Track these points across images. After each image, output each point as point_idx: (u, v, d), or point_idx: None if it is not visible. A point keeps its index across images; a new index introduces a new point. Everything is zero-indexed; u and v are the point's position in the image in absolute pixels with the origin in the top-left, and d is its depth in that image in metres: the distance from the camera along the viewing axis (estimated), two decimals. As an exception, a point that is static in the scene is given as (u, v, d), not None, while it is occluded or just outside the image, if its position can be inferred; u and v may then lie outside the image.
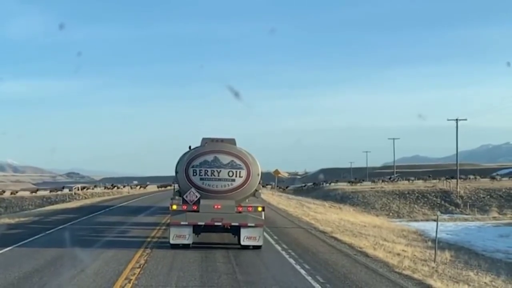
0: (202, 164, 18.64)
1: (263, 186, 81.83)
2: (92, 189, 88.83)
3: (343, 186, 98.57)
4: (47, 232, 24.69)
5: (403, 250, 24.38)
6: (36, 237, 22.89)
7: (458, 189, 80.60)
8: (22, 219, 33.62)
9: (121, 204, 46.81)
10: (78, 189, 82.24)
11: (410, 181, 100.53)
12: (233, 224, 18.70)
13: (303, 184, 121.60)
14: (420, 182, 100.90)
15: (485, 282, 18.76)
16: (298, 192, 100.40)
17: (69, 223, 29.18)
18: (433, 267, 19.55)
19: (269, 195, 62.74)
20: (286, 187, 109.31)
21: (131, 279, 13.64)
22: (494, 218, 68.83)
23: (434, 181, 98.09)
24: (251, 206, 18.84)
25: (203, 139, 19.44)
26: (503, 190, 79.92)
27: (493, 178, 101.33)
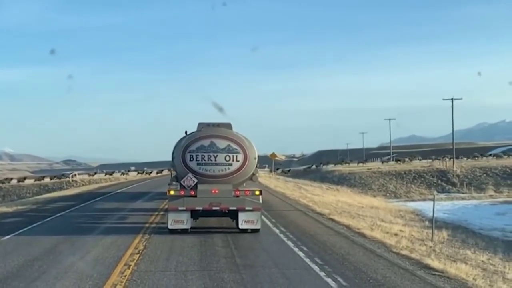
0: (198, 149, 18.64)
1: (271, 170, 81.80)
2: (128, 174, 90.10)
3: (338, 168, 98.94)
4: (45, 220, 24.72)
5: (400, 230, 24.51)
6: (34, 225, 22.91)
7: (455, 168, 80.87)
8: (20, 207, 33.62)
9: (119, 191, 46.85)
10: (114, 174, 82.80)
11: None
12: (231, 208, 18.76)
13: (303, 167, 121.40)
14: (416, 162, 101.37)
15: (482, 261, 18.90)
16: (295, 174, 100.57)
17: (67, 210, 29.22)
18: (430, 247, 19.67)
19: (267, 178, 62.86)
20: (288, 170, 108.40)
21: (130, 265, 13.71)
22: (491, 196, 69.14)
23: (429, 160, 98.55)
24: (248, 190, 18.88)
25: (199, 124, 19.40)
26: (499, 168, 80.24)
27: (475, 157, 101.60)
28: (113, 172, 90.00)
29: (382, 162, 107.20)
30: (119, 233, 19.20)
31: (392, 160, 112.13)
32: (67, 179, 77.28)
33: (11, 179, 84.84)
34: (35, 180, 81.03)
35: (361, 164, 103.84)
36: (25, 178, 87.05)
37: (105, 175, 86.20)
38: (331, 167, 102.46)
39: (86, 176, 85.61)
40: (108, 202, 34.81)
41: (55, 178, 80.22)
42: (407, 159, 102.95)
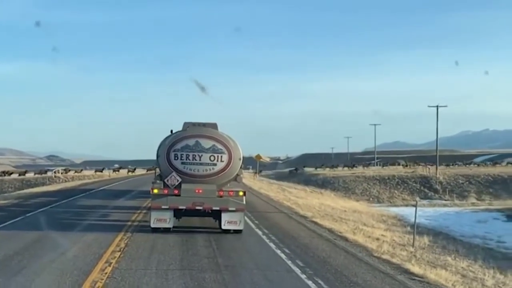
0: (183, 148, 18.62)
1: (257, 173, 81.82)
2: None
3: (321, 171, 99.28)
4: (27, 215, 24.54)
5: (382, 235, 24.65)
6: (15, 220, 22.74)
7: (438, 175, 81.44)
8: (1, 201, 33.36)
9: (102, 188, 46.58)
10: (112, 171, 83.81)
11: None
12: (214, 208, 18.74)
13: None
14: (400, 167, 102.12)
15: (462, 267, 19.06)
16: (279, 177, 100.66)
17: (50, 206, 29.02)
18: (411, 252, 19.80)
19: (251, 180, 62.87)
20: (295, 170, 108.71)
21: (111, 263, 13.65)
22: (473, 204, 69.70)
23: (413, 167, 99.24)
24: (232, 191, 18.88)
25: (185, 123, 19.38)
26: (482, 176, 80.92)
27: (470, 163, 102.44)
28: (120, 168, 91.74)
29: (382, 166, 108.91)
30: (101, 231, 19.09)
31: (378, 165, 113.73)
32: (50, 174, 76.73)
33: (11, 172, 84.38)
34: (35, 173, 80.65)
35: (365, 168, 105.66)
36: (25, 172, 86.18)
37: (113, 171, 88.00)
38: (340, 169, 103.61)
39: (93, 172, 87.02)
40: (91, 199, 34.60)
41: (63, 172, 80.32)
42: (422, 164, 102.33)
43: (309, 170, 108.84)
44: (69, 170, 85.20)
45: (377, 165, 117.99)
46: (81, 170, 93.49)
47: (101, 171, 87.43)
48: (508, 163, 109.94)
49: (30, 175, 79.28)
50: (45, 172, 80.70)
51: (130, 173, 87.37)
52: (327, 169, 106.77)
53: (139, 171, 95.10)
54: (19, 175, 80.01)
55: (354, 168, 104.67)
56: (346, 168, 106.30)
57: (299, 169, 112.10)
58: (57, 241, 16.90)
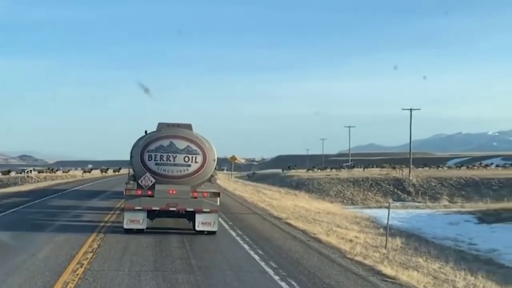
0: (157, 149, 18.54)
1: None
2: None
3: (298, 173, 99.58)
4: (-3, 216, 24.19)
5: (355, 237, 24.80)
6: (-14, 220, 22.40)
7: (411, 177, 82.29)
8: (-29, 202, 32.78)
9: (75, 188, 46.14)
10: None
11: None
12: (188, 209, 18.69)
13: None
14: (375, 169, 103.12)
15: (434, 269, 19.29)
16: (253, 178, 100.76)
17: (21, 206, 28.64)
18: (384, 254, 19.97)
19: (226, 181, 62.81)
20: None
21: (83, 264, 13.53)
22: (445, 206, 70.48)
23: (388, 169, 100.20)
24: (206, 192, 18.85)
25: (159, 123, 19.31)
26: (454, 179, 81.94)
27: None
28: (107, 169, 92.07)
29: (364, 169, 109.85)
30: (73, 231, 18.93)
31: (352, 166, 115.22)
32: (22, 174, 75.62)
33: None
34: (16, 173, 79.37)
35: (349, 170, 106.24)
36: (9, 171, 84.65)
37: (101, 172, 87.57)
38: (328, 171, 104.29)
39: (79, 172, 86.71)
40: (64, 199, 34.24)
41: (57, 171, 79.64)
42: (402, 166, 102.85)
43: (301, 171, 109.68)
44: (57, 170, 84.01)
45: (354, 167, 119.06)
46: (68, 170, 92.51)
47: (90, 171, 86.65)
48: (496, 165, 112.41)
49: (11, 174, 78.08)
50: (30, 171, 79.65)
51: (116, 172, 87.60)
52: (319, 170, 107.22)
53: (123, 171, 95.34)
54: (3, 174, 78.71)
55: (342, 170, 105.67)
56: (334, 170, 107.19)
57: (292, 167, 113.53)
58: (28, 242, 16.71)
